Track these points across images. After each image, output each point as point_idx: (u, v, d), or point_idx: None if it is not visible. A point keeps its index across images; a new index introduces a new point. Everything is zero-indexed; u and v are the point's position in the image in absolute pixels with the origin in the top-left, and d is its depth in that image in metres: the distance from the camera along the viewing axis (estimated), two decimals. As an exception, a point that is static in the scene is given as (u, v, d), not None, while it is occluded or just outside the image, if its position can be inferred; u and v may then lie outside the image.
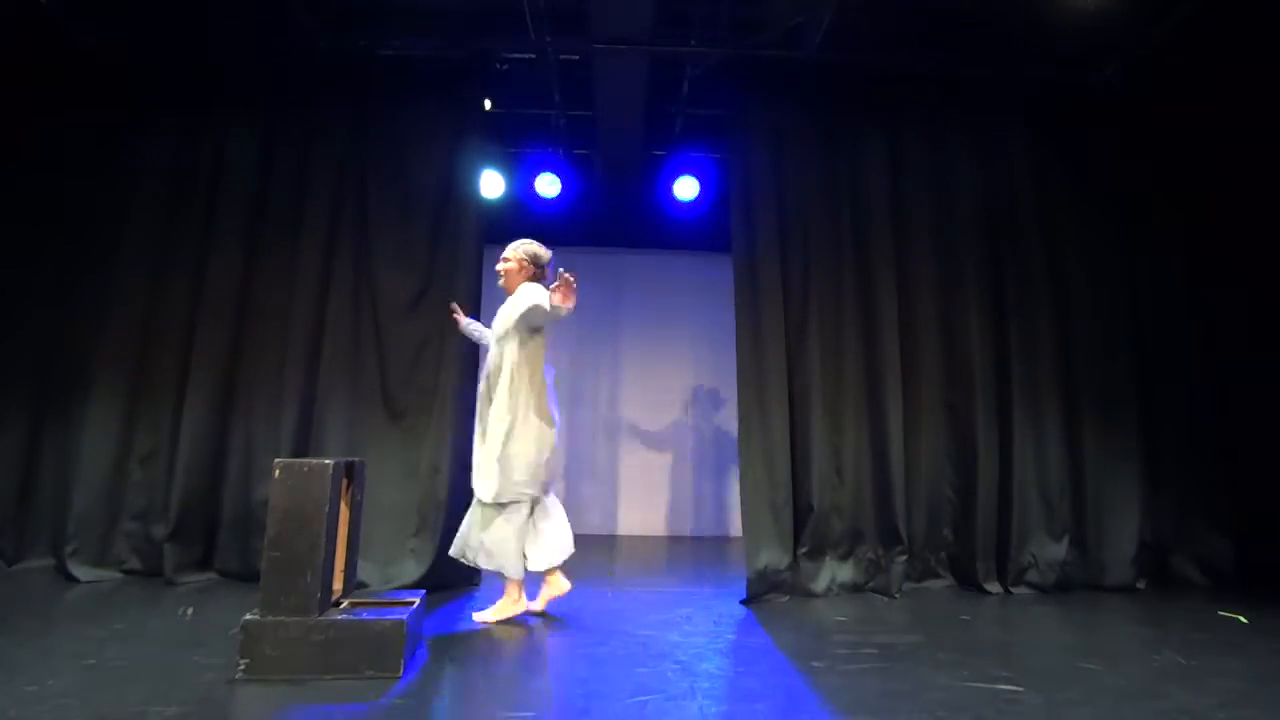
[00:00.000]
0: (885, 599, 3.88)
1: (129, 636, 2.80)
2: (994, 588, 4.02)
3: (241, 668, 2.36)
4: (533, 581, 3.37)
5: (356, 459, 2.91)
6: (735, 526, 3.95)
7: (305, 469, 2.52)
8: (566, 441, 6.53)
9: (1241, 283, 4.40)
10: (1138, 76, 4.46)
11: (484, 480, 3.21)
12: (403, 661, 2.43)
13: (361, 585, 3.53)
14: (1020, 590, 4.03)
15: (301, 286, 4.12)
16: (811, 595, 3.85)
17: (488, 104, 4.51)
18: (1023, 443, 4.17)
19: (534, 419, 3.24)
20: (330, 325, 4.10)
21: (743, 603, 3.69)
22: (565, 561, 3.37)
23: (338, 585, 2.71)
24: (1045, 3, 3.95)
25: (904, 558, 4.03)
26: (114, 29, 4.27)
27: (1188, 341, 4.45)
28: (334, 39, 4.35)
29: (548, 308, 3.11)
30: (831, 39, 4.24)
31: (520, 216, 6.02)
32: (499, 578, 3.28)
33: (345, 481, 2.73)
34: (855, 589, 3.98)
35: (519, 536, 3.24)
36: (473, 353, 4.17)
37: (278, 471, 2.51)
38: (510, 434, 3.19)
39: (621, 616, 3.38)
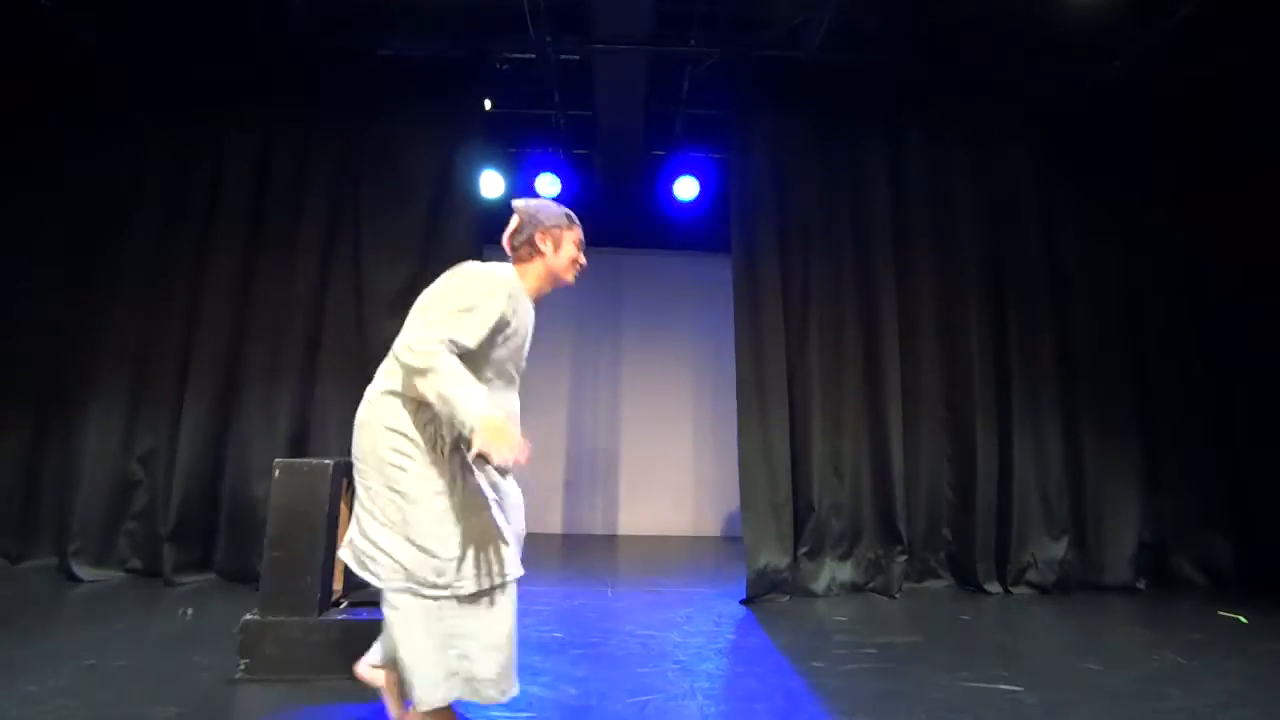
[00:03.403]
0: (885, 599, 3.89)
1: (130, 636, 2.80)
2: (994, 588, 4.03)
3: (241, 668, 2.37)
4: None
5: (356, 459, 2.90)
6: (735, 526, 3.94)
7: (305, 469, 2.53)
8: (567, 441, 6.54)
9: (1241, 282, 4.40)
10: (1138, 76, 4.46)
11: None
12: (403, 661, 2.43)
13: (361, 585, 3.53)
14: (1020, 590, 4.03)
15: (300, 287, 4.12)
16: (811, 595, 3.85)
17: (488, 104, 4.51)
18: (1022, 442, 4.17)
19: None
20: (328, 325, 4.11)
21: (743, 603, 3.69)
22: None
23: (338, 585, 2.71)
24: (1045, 3, 3.95)
25: (904, 558, 4.03)
26: (114, 29, 4.27)
27: (1188, 341, 4.45)
28: (334, 39, 4.35)
29: None
30: (831, 39, 4.24)
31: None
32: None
33: (345, 481, 2.73)
34: (855, 589, 3.98)
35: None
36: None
37: (278, 471, 2.52)
38: None
39: (621, 616, 3.38)
